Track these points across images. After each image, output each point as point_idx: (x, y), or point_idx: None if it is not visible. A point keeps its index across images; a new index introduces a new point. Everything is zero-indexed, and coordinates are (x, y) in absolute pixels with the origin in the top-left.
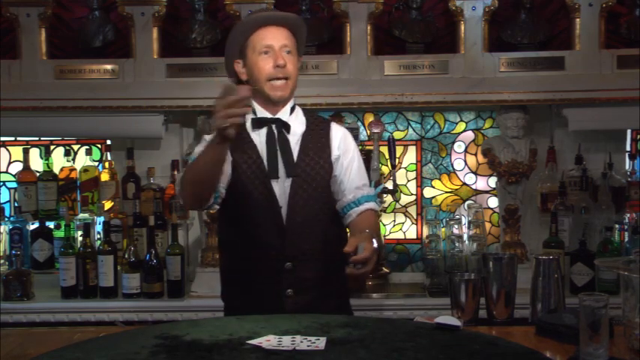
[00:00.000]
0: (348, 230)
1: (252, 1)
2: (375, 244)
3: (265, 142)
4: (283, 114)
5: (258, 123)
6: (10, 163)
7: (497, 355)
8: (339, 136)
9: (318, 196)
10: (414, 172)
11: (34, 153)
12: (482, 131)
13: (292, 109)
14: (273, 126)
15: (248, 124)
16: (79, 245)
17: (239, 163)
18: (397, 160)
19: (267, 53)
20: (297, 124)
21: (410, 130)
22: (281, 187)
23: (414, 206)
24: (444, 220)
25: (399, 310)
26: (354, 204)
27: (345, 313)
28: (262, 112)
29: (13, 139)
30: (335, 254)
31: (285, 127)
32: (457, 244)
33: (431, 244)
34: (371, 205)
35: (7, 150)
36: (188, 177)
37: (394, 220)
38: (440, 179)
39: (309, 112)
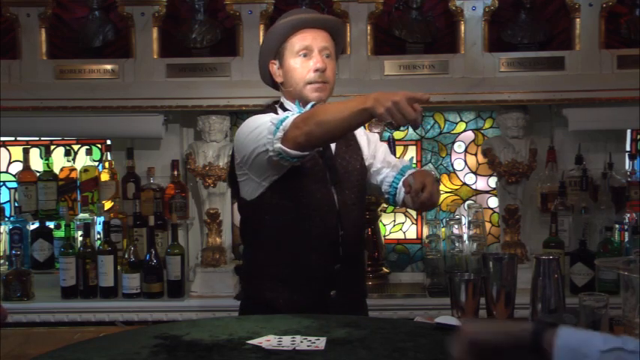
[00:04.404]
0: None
1: (252, 1)
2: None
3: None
4: None
5: None
6: (10, 163)
7: None
8: (364, 137)
9: (360, 200)
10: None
11: (34, 153)
12: (482, 131)
13: None
14: None
15: None
16: (79, 245)
17: (302, 163)
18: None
19: (305, 56)
20: None
21: (410, 130)
22: (332, 189)
23: None
24: (444, 220)
25: (399, 310)
26: (399, 174)
27: (363, 311)
28: None
29: (13, 139)
30: (363, 258)
31: None
32: (457, 244)
33: (431, 244)
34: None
35: (7, 150)
36: (325, 118)
37: (394, 220)
38: (440, 179)
39: None
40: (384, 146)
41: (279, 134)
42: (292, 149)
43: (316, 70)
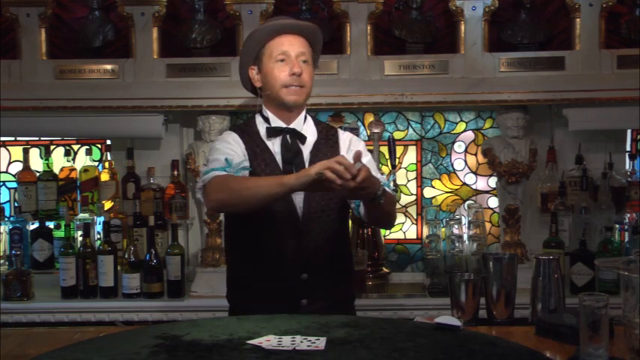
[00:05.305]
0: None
1: (252, 1)
2: (367, 175)
3: (280, 153)
4: (297, 124)
5: (273, 132)
6: (10, 163)
7: (497, 355)
8: (347, 142)
9: (331, 207)
10: (414, 172)
11: (34, 153)
12: (482, 131)
13: (305, 119)
14: (288, 136)
15: (262, 133)
16: (79, 245)
17: (257, 172)
18: (397, 160)
19: (283, 61)
20: (309, 134)
21: (410, 130)
22: (296, 199)
23: (414, 206)
24: (444, 220)
25: (399, 310)
26: None
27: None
28: (276, 121)
29: (13, 139)
30: (343, 263)
31: (299, 137)
32: (457, 244)
33: (431, 244)
34: (386, 189)
35: (7, 150)
36: (239, 191)
37: None
38: (440, 179)
39: (317, 121)
40: (368, 159)
41: (200, 185)
42: (209, 206)
43: (292, 74)
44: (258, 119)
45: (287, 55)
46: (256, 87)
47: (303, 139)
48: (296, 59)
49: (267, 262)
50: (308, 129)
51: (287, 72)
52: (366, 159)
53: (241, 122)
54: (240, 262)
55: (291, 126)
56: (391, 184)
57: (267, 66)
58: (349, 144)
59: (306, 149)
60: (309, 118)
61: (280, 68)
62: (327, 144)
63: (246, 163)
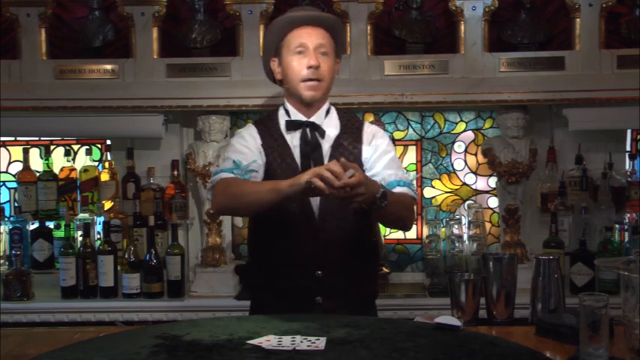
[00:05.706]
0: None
1: (252, 1)
2: (365, 188)
3: (299, 147)
4: (318, 117)
5: (292, 125)
6: (10, 163)
7: (497, 355)
8: (370, 136)
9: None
10: (414, 172)
11: (34, 153)
12: (482, 131)
13: (327, 112)
14: (307, 130)
15: (282, 126)
16: (79, 245)
17: (273, 167)
18: None
19: (301, 53)
20: (331, 127)
21: (410, 130)
22: None
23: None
24: (444, 220)
25: (399, 310)
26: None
27: (371, 314)
28: (296, 115)
29: (13, 139)
30: (363, 261)
31: (318, 131)
32: (457, 244)
33: (431, 244)
34: (404, 189)
35: (7, 150)
36: (240, 196)
37: None
38: (440, 179)
39: (343, 113)
40: (390, 157)
41: (209, 186)
42: (213, 208)
43: (309, 67)
44: (281, 112)
45: (305, 47)
46: (276, 79)
47: (322, 132)
48: (314, 51)
49: (282, 259)
50: (330, 122)
51: (305, 65)
52: (389, 156)
53: (265, 115)
54: (257, 259)
55: (311, 119)
56: (414, 184)
57: (286, 59)
58: (372, 138)
59: (327, 143)
60: (333, 111)
61: (298, 61)
62: (350, 138)
63: (255, 165)
